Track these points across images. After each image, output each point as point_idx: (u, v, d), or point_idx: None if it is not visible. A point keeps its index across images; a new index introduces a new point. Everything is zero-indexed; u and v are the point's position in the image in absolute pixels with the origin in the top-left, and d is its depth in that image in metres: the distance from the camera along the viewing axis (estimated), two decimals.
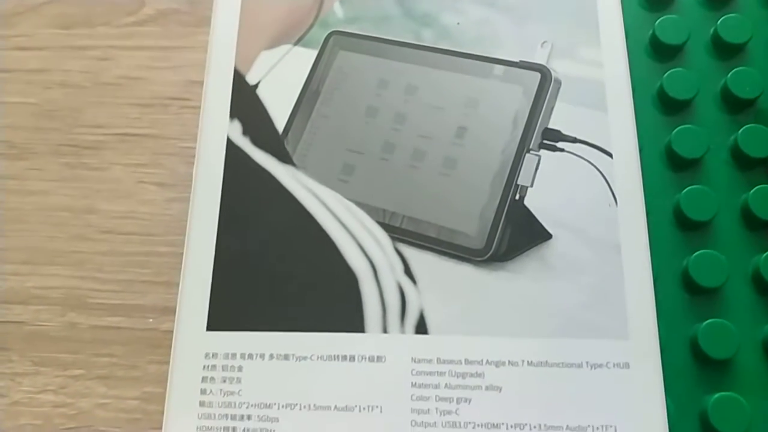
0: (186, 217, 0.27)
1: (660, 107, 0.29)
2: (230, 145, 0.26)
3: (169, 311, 0.29)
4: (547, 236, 0.25)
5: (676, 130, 0.28)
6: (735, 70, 0.29)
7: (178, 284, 0.27)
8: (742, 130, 0.28)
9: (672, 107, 0.29)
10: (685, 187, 0.28)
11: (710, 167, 0.29)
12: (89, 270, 0.31)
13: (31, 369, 0.30)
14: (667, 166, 0.29)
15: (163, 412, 0.25)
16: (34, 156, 0.33)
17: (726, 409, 0.25)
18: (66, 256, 0.32)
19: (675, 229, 0.28)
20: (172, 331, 0.26)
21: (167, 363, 0.26)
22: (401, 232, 0.25)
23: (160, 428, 0.25)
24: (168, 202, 0.32)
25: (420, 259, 0.25)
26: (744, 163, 0.28)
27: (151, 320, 0.30)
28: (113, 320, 0.31)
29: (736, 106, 0.29)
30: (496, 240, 0.25)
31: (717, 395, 0.25)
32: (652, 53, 0.30)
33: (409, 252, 0.25)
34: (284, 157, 0.26)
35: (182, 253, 0.27)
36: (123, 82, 0.34)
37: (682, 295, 0.27)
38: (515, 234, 0.25)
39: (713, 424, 0.25)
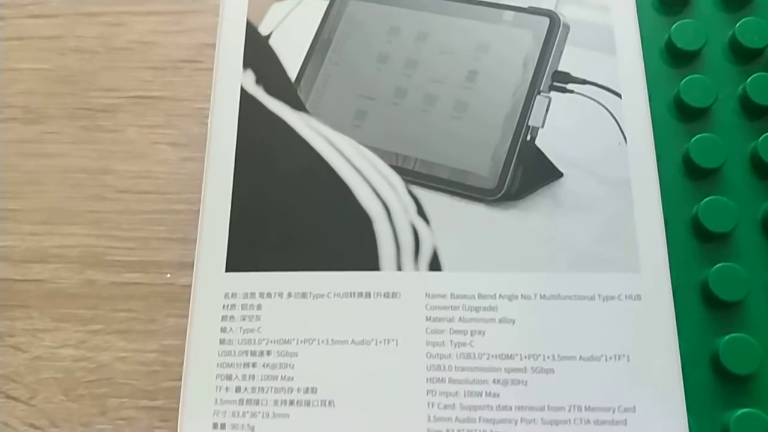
0: (201, 176, 0.29)
1: (668, 59, 0.31)
2: (244, 94, 0.28)
3: (186, 266, 0.31)
4: (558, 175, 0.26)
5: (684, 80, 0.30)
6: (743, 20, 0.30)
7: (194, 240, 0.28)
8: (750, 79, 0.30)
9: (680, 58, 0.31)
10: (694, 136, 0.29)
11: (719, 116, 0.30)
12: (106, 228, 0.33)
13: (52, 325, 0.32)
14: (676, 117, 0.30)
15: (182, 365, 0.27)
16: (49, 120, 0.35)
17: (737, 349, 0.26)
18: (83, 216, 0.34)
19: (684, 178, 0.29)
20: (189, 286, 0.28)
21: (186, 317, 0.28)
22: (414, 175, 0.27)
23: (179, 379, 0.27)
24: (182, 162, 0.34)
25: (433, 200, 0.26)
26: (753, 112, 0.30)
27: (168, 275, 0.32)
28: (131, 276, 0.32)
29: (744, 56, 0.30)
30: (507, 179, 0.26)
31: (728, 336, 0.26)
32: (659, 5, 0.32)
33: (422, 193, 0.26)
34: (297, 105, 0.28)
35: (198, 211, 0.29)
36: (135, 46, 0.36)
37: (693, 242, 0.29)
38: (527, 173, 0.26)
39: (724, 364, 0.26)
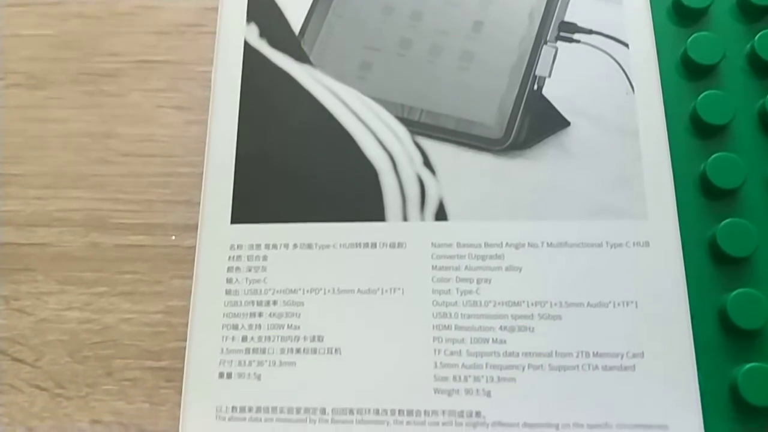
0: (205, 139, 0.30)
1: (675, 17, 0.31)
2: (247, 48, 0.28)
3: (191, 228, 0.32)
4: (566, 124, 0.27)
5: (691, 37, 0.30)
6: None
7: (199, 203, 0.29)
8: (758, 36, 0.30)
9: (688, 16, 0.31)
10: (702, 94, 0.29)
11: (727, 74, 0.31)
12: (110, 192, 0.34)
13: (56, 288, 0.33)
14: (683, 75, 0.30)
15: (187, 325, 0.27)
16: (53, 85, 0.36)
17: (745, 304, 0.27)
18: (87, 180, 0.35)
19: (692, 136, 0.30)
20: (194, 248, 0.29)
21: (191, 278, 0.28)
22: (420, 126, 0.27)
23: (185, 340, 0.28)
24: (186, 125, 0.34)
25: (439, 150, 0.27)
26: (761, 69, 0.30)
27: (173, 237, 0.32)
28: (136, 239, 0.33)
29: (752, 13, 0.31)
30: (515, 129, 0.27)
31: (736, 292, 0.27)
32: None
33: (428, 144, 0.27)
34: (301, 57, 0.28)
35: (201, 173, 0.29)
36: (138, 11, 0.37)
37: (700, 199, 0.29)
38: (534, 123, 0.27)
39: (732, 319, 0.27)
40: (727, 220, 0.28)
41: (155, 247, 0.33)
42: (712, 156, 0.29)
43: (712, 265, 0.28)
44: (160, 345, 0.31)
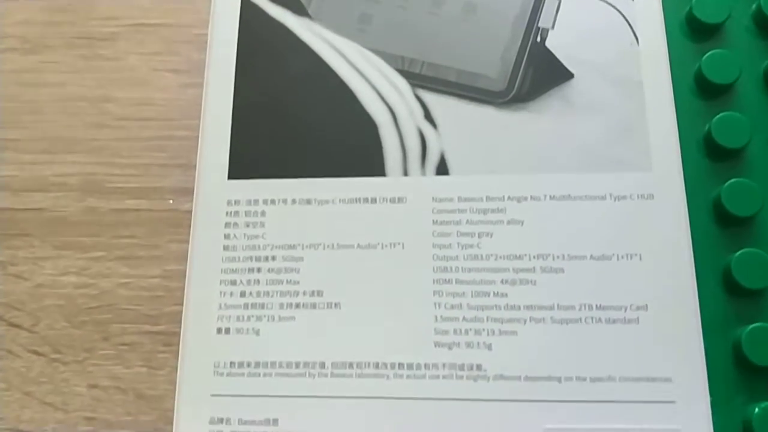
0: (202, 102, 0.30)
1: None
2: (245, 2, 0.29)
3: (188, 192, 0.32)
4: (569, 76, 0.27)
5: None
6: None
7: (195, 166, 0.29)
8: None
9: None
10: (707, 53, 0.29)
11: (732, 33, 0.31)
12: (107, 156, 0.34)
13: (53, 253, 0.33)
14: (688, 36, 0.30)
15: (184, 289, 0.28)
16: (48, 50, 0.36)
17: (749, 264, 0.27)
18: (83, 144, 0.35)
19: (696, 97, 0.30)
20: (191, 211, 0.29)
21: (188, 242, 0.29)
22: (421, 79, 0.27)
23: (183, 304, 0.28)
24: (183, 88, 0.35)
25: (440, 103, 0.27)
26: (766, 28, 0.30)
27: (171, 201, 0.33)
28: (133, 203, 0.33)
29: None
30: (517, 81, 0.27)
31: (740, 252, 0.27)
32: None
33: (429, 97, 0.27)
34: (299, 10, 0.28)
35: (198, 136, 0.29)
36: None
37: (705, 160, 0.29)
38: (537, 75, 0.27)
39: (737, 279, 0.27)
40: (732, 180, 0.28)
41: (152, 211, 0.33)
42: (717, 116, 0.29)
43: (716, 225, 0.28)
44: (158, 309, 0.31)
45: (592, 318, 0.25)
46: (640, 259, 0.26)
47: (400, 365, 0.25)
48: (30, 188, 0.34)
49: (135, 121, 0.34)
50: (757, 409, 0.26)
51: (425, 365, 0.25)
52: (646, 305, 0.25)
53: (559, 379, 0.25)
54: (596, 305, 0.25)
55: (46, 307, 0.32)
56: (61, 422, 0.30)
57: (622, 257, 0.26)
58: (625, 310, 0.25)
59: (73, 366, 0.30)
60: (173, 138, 0.34)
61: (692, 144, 0.29)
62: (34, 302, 0.32)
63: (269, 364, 0.26)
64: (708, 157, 0.29)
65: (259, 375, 0.26)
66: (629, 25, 0.27)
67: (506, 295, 0.26)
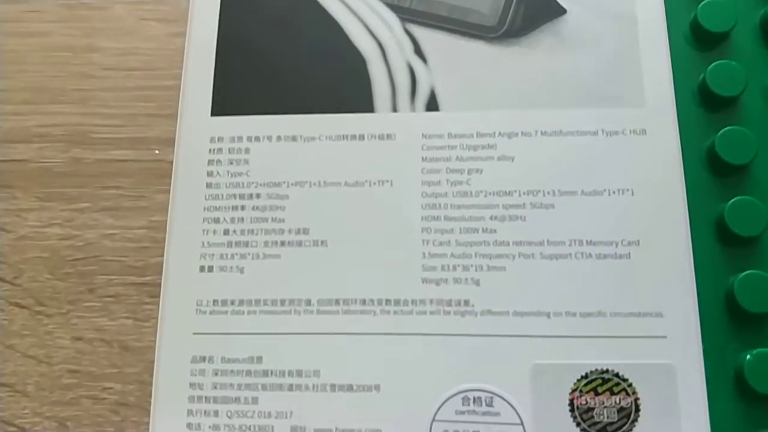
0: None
1: None
2: None
3: (175, 142, 0.32)
4: (562, 11, 0.27)
5: None
6: None
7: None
8: None
9: None
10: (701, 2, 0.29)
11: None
12: (92, 106, 0.35)
13: (36, 204, 0.33)
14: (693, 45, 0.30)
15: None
16: None
17: (743, 212, 0.27)
18: (68, 94, 0.35)
19: (692, 47, 0.30)
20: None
21: None
22: (411, 13, 0.28)
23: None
24: (170, 38, 0.35)
25: (431, 38, 0.27)
26: None
27: (157, 152, 0.33)
28: (118, 153, 0.34)
29: None
30: (509, 16, 0.27)
31: (734, 200, 0.28)
32: None
33: (420, 32, 0.27)
34: None
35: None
36: None
37: (699, 110, 0.29)
38: (529, 10, 0.27)
39: (730, 227, 0.27)
40: (726, 128, 0.28)
41: (138, 162, 0.33)
42: (712, 64, 0.29)
43: (710, 174, 0.29)
44: (144, 260, 0.31)
45: (582, 253, 0.26)
46: (632, 194, 0.26)
47: (387, 301, 0.25)
48: (12, 139, 0.35)
49: (121, 71, 0.35)
50: (749, 356, 0.26)
51: (412, 301, 0.25)
52: (638, 240, 0.26)
53: (548, 315, 0.25)
54: (587, 241, 0.26)
55: (29, 260, 0.32)
56: (44, 375, 0.30)
57: (614, 192, 0.26)
58: (617, 245, 0.26)
59: (57, 318, 0.31)
60: (160, 88, 0.34)
61: (687, 94, 0.29)
62: (16, 254, 0.32)
63: (253, 302, 0.26)
64: (703, 106, 0.29)
65: (243, 313, 0.26)
66: None
67: (495, 231, 0.26)
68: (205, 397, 0.26)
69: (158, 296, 0.30)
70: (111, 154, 0.34)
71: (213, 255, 0.27)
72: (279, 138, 0.28)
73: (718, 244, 0.28)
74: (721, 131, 0.28)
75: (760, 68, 0.30)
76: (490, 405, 0.24)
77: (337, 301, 0.26)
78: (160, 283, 0.30)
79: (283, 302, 0.26)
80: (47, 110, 0.35)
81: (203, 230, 0.27)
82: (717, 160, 0.28)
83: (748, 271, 0.27)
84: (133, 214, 0.32)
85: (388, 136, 0.27)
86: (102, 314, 0.31)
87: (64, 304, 0.31)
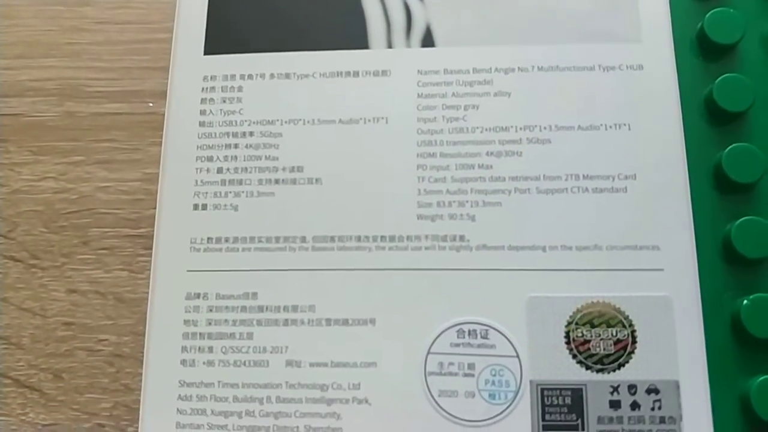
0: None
1: None
2: None
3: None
4: None
5: None
6: None
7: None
8: None
9: None
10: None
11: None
12: (86, 60, 0.35)
13: (30, 158, 0.34)
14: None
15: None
16: None
17: (740, 159, 0.28)
18: (61, 48, 0.35)
19: (698, 59, 0.31)
20: None
21: None
22: None
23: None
24: None
25: None
26: None
27: (151, 104, 0.34)
28: (112, 107, 0.34)
29: None
30: None
31: (731, 146, 0.28)
32: None
33: None
34: None
35: None
36: None
37: (698, 59, 0.30)
38: None
39: (728, 174, 0.28)
40: (724, 75, 0.29)
41: (132, 115, 0.34)
42: (710, 12, 0.29)
43: (707, 123, 0.29)
44: (138, 213, 0.32)
45: (578, 188, 0.26)
46: (629, 128, 0.26)
47: (383, 238, 0.26)
48: (6, 93, 0.35)
49: (114, 25, 0.35)
50: (746, 301, 0.27)
51: (408, 237, 0.26)
52: (635, 174, 0.26)
53: (543, 249, 0.26)
54: (583, 175, 0.26)
55: (22, 213, 0.33)
56: (39, 328, 0.31)
57: (611, 127, 0.26)
58: (613, 179, 0.26)
59: (52, 271, 0.31)
60: (153, 41, 0.35)
61: (686, 43, 0.30)
62: (10, 208, 0.33)
63: (248, 239, 0.27)
64: (701, 56, 0.30)
65: (238, 250, 0.27)
66: None
67: (491, 167, 0.26)
68: (200, 334, 0.26)
69: (152, 248, 0.30)
70: (105, 108, 0.34)
71: (207, 193, 0.28)
72: (272, 75, 0.28)
73: (716, 192, 0.28)
74: (719, 79, 0.29)
75: (758, 15, 0.30)
76: (485, 337, 0.25)
77: (332, 238, 0.26)
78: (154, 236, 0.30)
79: (277, 239, 0.27)
80: (40, 64, 0.36)
81: (197, 169, 0.28)
82: (715, 107, 0.28)
83: (745, 217, 0.27)
84: (127, 167, 0.33)
85: (383, 73, 0.28)
86: (96, 266, 0.31)
87: (58, 257, 0.32)
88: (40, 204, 0.33)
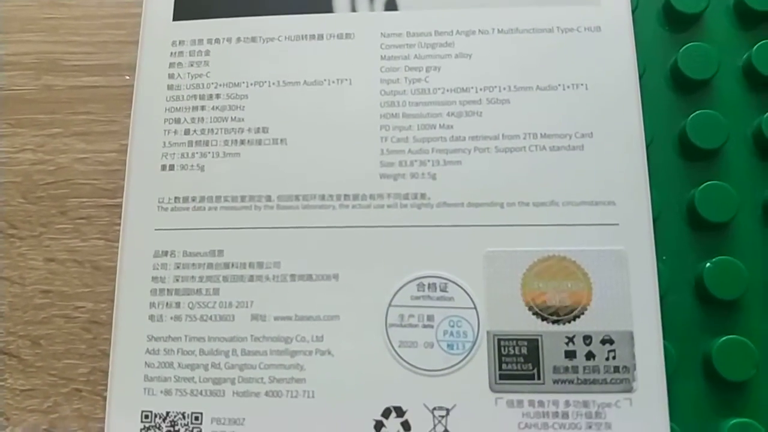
0: None
1: None
2: None
3: None
4: None
5: None
6: None
7: None
8: None
9: None
10: None
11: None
12: (63, 35, 0.36)
13: (8, 131, 0.35)
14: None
15: None
16: None
17: (705, 126, 0.29)
18: (39, 23, 0.36)
19: (663, 29, 0.32)
20: None
21: None
22: None
23: None
24: None
25: None
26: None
27: (127, 77, 0.35)
28: (89, 80, 0.35)
29: None
30: None
31: (695, 113, 0.29)
32: None
33: None
34: None
35: None
36: None
37: (663, 30, 0.31)
38: None
39: (691, 140, 0.29)
40: (689, 44, 0.30)
41: (109, 88, 0.35)
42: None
43: (672, 91, 0.30)
44: (115, 183, 0.33)
45: (536, 146, 0.27)
46: (586, 88, 0.27)
47: (346, 196, 0.27)
48: None
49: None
50: (709, 264, 0.28)
51: (370, 196, 0.27)
52: (591, 132, 0.27)
53: (501, 205, 0.26)
54: (541, 134, 0.27)
55: (1, 184, 0.33)
56: (17, 296, 0.32)
57: (568, 87, 0.27)
58: (570, 137, 0.27)
59: (30, 241, 0.32)
60: (130, 15, 0.35)
61: (651, 17, 0.31)
62: None
63: (214, 198, 0.28)
64: (666, 26, 0.31)
65: (204, 209, 0.28)
66: None
67: (452, 127, 0.27)
68: (167, 290, 0.27)
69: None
70: (82, 81, 0.35)
71: (174, 154, 0.29)
72: (239, 39, 0.29)
73: (681, 158, 0.29)
74: (684, 47, 0.30)
75: (733, 47, 0.30)
76: (444, 290, 0.26)
77: (296, 197, 0.27)
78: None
79: (243, 198, 0.27)
80: (18, 39, 0.36)
81: (165, 130, 0.29)
82: (680, 76, 0.30)
83: (708, 182, 0.28)
84: (103, 138, 0.34)
85: (347, 36, 0.29)
86: (74, 236, 0.32)
87: (36, 226, 0.33)
88: (19, 175, 0.34)
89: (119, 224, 0.31)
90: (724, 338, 0.27)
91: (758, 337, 0.28)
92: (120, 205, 0.31)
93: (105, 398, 0.29)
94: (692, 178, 0.29)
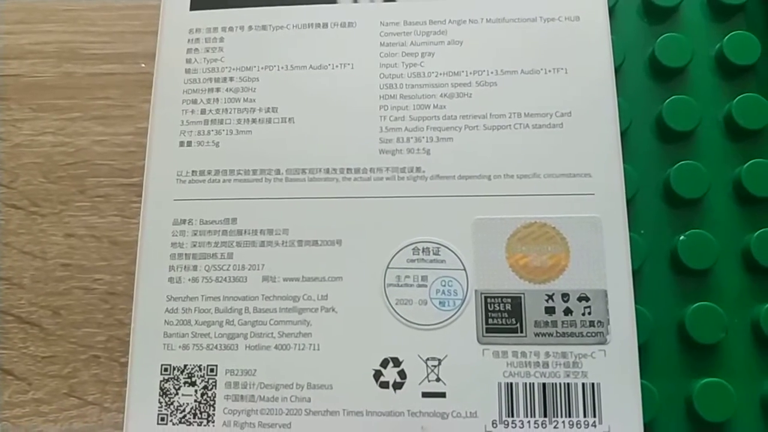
0: None
1: None
2: None
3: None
4: None
5: None
6: None
7: None
8: None
9: None
10: None
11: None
12: (82, 25, 0.38)
13: (30, 115, 0.37)
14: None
15: None
16: None
17: (678, 109, 0.32)
18: (59, 14, 0.38)
19: (642, 21, 0.34)
20: None
21: None
22: None
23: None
24: None
25: None
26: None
27: (143, 65, 0.37)
28: (107, 67, 0.37)
29: None
30: None
31: (671, 98, 0.32)
32: None
33: None
34: None
35: None
36: None
37: (642, 22, 0.34)
38: None
39: (667, 122, 0.32)
40: (666, 35, 0.33)
41: (126, 75, 0.37)
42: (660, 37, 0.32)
43: (650, 78, 0.33)
44: (131, 163, 0.35)
45: (520, 124, 0.30)
46: (566, 72, 0.30)
47: (348, 170, 0.30)
48: (7, 56, 0.38)
49: None
50: (682, 237, 0.30)
51: (370, 169, 0.30)
52: (570, 112, 0.30)
53: (488, 177, 0.29)
54: (524, 113, 0.30)
55: (23, 165, 0.35)
56: (39, 269, 0.33)
57: (549, 71, 0.30)
58: (551, 116, 0.30)
59: (50, 218, 0.34)
60: (145, 7, 0.38)
61: (632, 9, 0.33)
62: (12, 161, 0.35)
63: (228, 171, 0.30)
64: (644, 18, 0.34)
65: (219, 181, 0.30)
66: None
67: (444, 107, 0.30)
68: (185, 254, 0.30)
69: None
70: (100, 68, 0.37)
71: (191, 131, 0.31)
72: (250, 27, 0.32)
73: (658, 141, 0.32)
74: (661, 38, 0.32)
75: (706, 37, 0.33)
76: (437, 254, 0.29)
77: (303, 171, 0.30)
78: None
79: (254, 172, 0.30)
80: (39, 29, 0.38)
81: (182, 110, 0.31)
82: (657, 64, 0.32)
83: (682, 162, 0.31)
84: (120, 122, 0.36)
85: (350, 24, 0.32)
86: (92, 213, 0.34)
87: (56, 204, 0.34)
88: (40, 156, 0.35)
89: (135, 202, 0.33)
90: (696, 304, 0.29)
91: (728, 303, 0.30)
92: (136, 184, 0.33)
93: (122, 364, 0.31)
94: (668, 159, 0.32)
